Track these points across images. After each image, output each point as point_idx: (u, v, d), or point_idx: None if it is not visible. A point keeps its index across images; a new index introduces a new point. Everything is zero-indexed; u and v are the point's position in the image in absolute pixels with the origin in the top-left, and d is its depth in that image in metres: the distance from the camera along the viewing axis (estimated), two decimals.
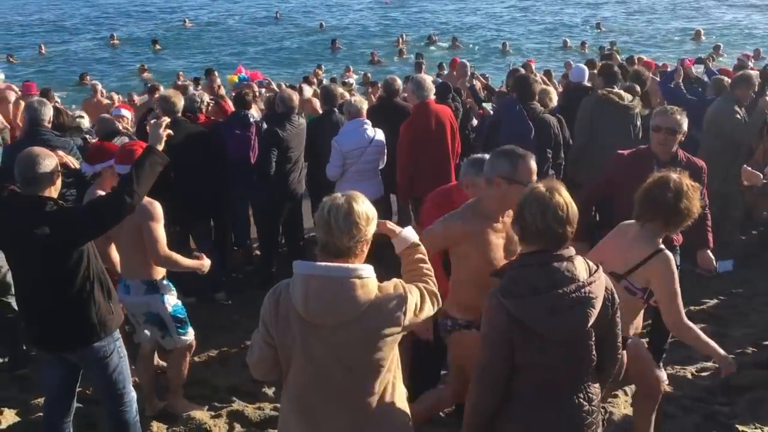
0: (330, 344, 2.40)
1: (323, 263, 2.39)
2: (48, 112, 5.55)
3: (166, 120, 3.72)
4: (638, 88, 7.07)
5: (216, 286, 6.45)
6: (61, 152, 4.19)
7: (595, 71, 7.45)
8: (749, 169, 6.09)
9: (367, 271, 2.41)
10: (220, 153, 6.34)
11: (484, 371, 2.56)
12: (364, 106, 6.44)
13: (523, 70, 8.30)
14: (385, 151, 6.45)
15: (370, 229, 2.45)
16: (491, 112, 7.53)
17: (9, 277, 4.96)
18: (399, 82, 7.05)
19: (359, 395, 2.48)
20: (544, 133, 5.97)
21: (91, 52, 28.60)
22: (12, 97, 9.14)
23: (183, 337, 4.39)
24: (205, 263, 4.36)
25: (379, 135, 6.33)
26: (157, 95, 8.32)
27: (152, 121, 3.78)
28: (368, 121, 6.34)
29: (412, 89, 6.27)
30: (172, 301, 4.31)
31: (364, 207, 2.43)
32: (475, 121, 8.14)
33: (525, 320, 2.45)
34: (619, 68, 9.58)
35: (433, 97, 6.33)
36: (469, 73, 9.98)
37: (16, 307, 4.97)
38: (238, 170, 6.56)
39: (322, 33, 31.47)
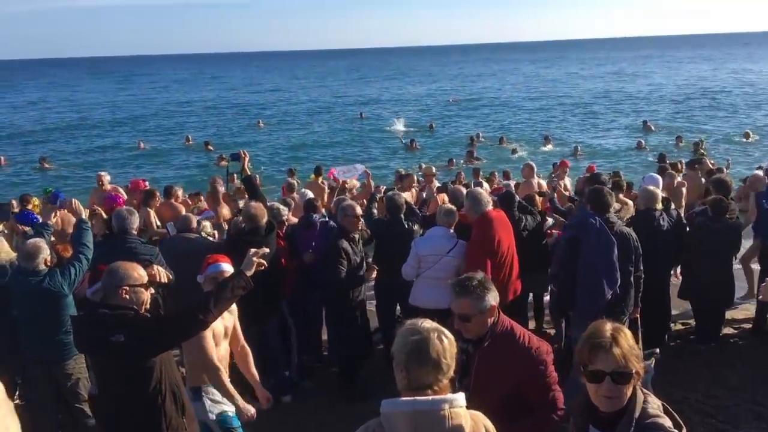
0: None
1: (425, 398, 2.33)
2: (135, 221, 5.93)
3: (265, 250, 3.88)
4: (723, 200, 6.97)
5: (283, 389, 6.40)
6: (156, 267, 4.35)
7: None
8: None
9: (462, 399, 2.39)
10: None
11: None
12: (456, 215, 6.47)
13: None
14: (464, 263, 6.37)
15: (453, 363, 2.42)
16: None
17: (82, 385, 5.15)
18: (464, 192, 7.07)
19: None
20: (625, 246, 5.81)
21: (168, 152, 30.35)
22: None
23: None
24: (249, 410, 4.24)
25: (460, 246, 6.31)
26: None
27: (252, 250, 3.88)
28: (452, 232, 6.36)
29: (469, 204, 6.26)
30: (215, 409, 4.25)
31: (445, 342, 2.39)
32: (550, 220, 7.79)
33: None
34: (708, 174, 9.34)
35: (490, 207, 6.30)
36: (536, 179, 9.88)
37: (89, 412, 5.13)
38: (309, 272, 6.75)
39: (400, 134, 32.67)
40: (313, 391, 6.67)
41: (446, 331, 2.44)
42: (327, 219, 7.28)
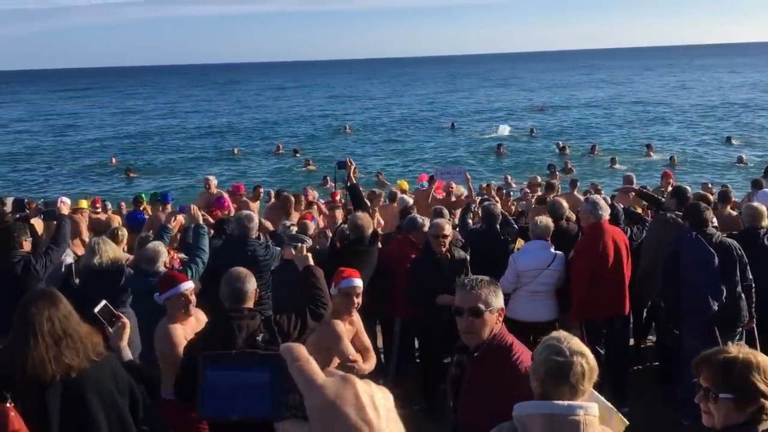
0: None
1: (561, 402, 2.38)
2: (254, 227, 6.21)
3: (303, 248, 4.31)
4: None
5: (378, 374, 6.42)
6: None
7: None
8: None
9: (596, 409, 2.40)
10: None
11: None
12: (550, 227, 6.43)
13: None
14: (564, 274, 6.34)
15: (590, 386, 2.45)
16: None
17: None
18: (565, 205, 6.98)
19: None
20: (728, 256, 5.78)
21: (259, 158, 31.49)
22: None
23: None
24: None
25: (559, 258, 6.27)
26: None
27: (291, 251, 4.40)
28: (550, 244, 6.32)
29: (588, 209, 6.20)
30: None
31: (586, 368, 2.42)
32: None
33: None
34: None
35: (607, 217, 6.25)
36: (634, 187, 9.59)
37: None
38: None
39: (490, 140, 32.47)
40: (406, 383, 6.57)
41: (590, 355, 2.46)
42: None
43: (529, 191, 11.68)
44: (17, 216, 6.84)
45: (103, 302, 3.76)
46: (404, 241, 6.67)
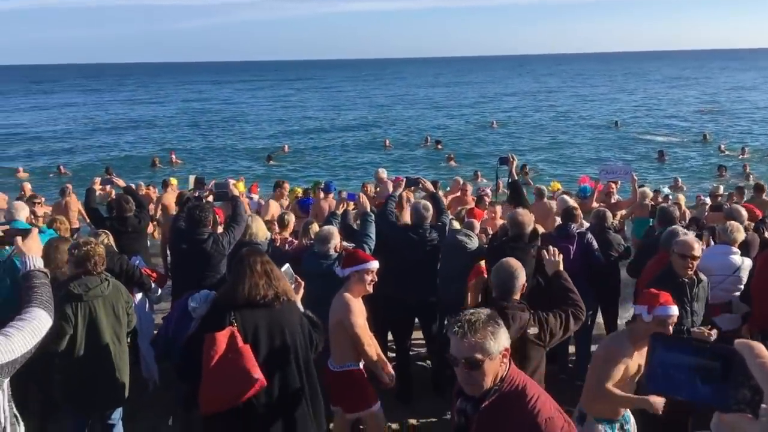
0: None
1: None
2: (430, 216, 6.42)
3: (556, 252, 4.28)
4: None
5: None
6: None
7: None
8: None
9: None
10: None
11: None
12: (740, 235, 6.04)
13: None
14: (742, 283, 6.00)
15: None
16: None
17: None
18: (744, 214, 6.53)
19: None
20: None
21: (408, 152, 31.75)
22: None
23: None
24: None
25: (746, 266, 5.93)
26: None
27: (543, 252, 4.36)
28: (737, 250, 5.98)
29: None
30: None
31: None
32: None
33: None
34: None
35: None
36: None
37: None
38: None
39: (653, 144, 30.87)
40: None
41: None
42: (585, 230, 7.13)
43: (708, 200, 10.78)
44: (197, 193, 7.49)
45: (287, 265, 4.43)
46: (658, 262, 5.75)
